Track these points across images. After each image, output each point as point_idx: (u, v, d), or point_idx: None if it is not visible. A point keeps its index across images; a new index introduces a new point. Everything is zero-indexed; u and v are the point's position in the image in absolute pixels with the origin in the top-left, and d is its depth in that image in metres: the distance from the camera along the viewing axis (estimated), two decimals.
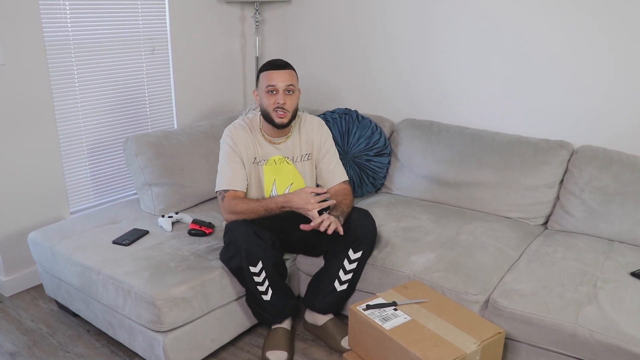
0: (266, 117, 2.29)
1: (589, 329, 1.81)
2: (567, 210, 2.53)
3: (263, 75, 2.28)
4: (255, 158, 2.36)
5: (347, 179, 2.47)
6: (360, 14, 3.22)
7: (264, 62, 3.66)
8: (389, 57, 3.19)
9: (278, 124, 2.28)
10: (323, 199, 2.16)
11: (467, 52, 2.91)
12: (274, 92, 2.24)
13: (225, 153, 2.34)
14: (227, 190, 2.29)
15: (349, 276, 2.26)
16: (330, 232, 2.10)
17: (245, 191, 2.34)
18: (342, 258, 2.24)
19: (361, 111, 3.21)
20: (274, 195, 2.38)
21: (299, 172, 2.42)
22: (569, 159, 2.61)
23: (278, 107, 2.24)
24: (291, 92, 2.26)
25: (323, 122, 2.48)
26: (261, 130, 2.38)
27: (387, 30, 3.15)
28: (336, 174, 2.44)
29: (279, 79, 2.24)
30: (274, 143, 2.38)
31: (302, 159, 2.42)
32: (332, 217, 2.13)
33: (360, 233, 2.22)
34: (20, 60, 2.60)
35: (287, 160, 2.40)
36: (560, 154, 2.60)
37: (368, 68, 3.29)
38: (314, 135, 2.43)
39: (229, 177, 2.30)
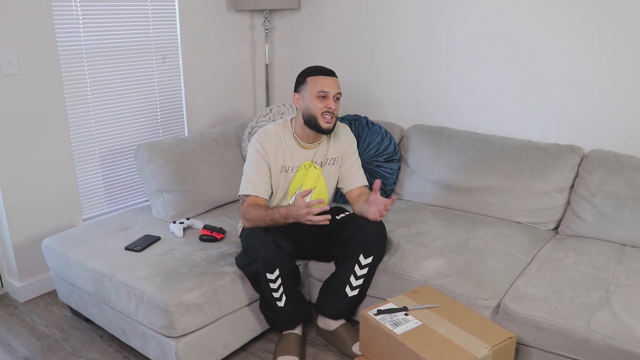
0: (310, 121, 2.28)
1: (602, 334, 1.80)
2: (578, 215, 2.52)
3: (312, 80, 2.27)
4: (284, 166, 2.35)
5: (367, 184, 2.49)
6: (369, 21, 3.24)
7: (274, 69, 3.73)
8: (398, 63, 3.20)
9: (325, 129, 2.28)
10: (316, 203, 2.10)
11: (475, 58, 2.92)
12: (325, 97, 2.25)
13: (252, 158, 2.32)
14: (249, 195, 2.29)
15: (360, 282, 2.27)
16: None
17: (267, 199, 2.34)
18: (352, 263, 2.25)
19: (371, 117, 3.22)
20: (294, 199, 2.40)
21: (323, 177, 2.43)
22: (580, 164, 2.60)
23: (327, 112, 2.25)
24: (338, 99, 2.30)
25: (349, 128, 2.51)
26: (294, 135, 2.38)
27: (396, 37, 3.17)
28: (357, 178, 2.46)
29: (330, 85, 2.26)
30: (306, 148, 2.38)
31: (329, 163, 2.43)
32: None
33: (371, 238, 2.23)
34: (34, 69, 2.64)
35: (315, 165, 2.40)
36: (570, 159, 2.60)
37: (377, 74, 3.30)
38: (342, 140, 2.45)
39: (252, 182, 2.30)
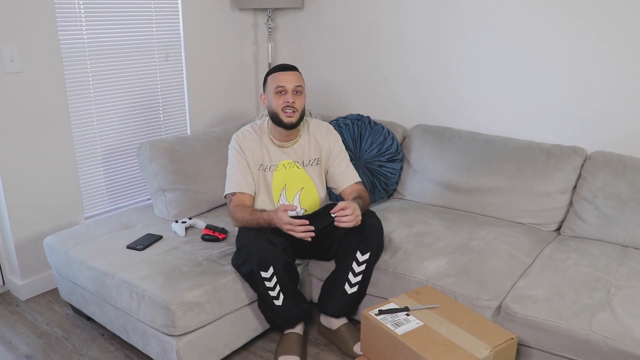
0: (274, 118, 2.32)
1: (603, 336, 1.80)
2: (580, 216, 2.52)
3: (271, 77, 2.32)
4: (262, 165, 2.38)
5: (360, 180, 2.48)
6: (373, 20, 3.24)
7: None
8: (401, 63, 3.20)
9: (287, 123, 2.29)
10: (302, 223, 2.10)
11: (479, 59, 2.92)
12: (283, 92, 2.27)
13: (233, 158, 2.36)
14: (234, 194, 2.32)
15: (359, 278, 2.27)
16: (342, 224, 2.12)
17: (253, 195, 2.36)
18: (350, 260, 2.25)
19: (373, 117, 3.22)
20: (282, 201, 2.40)
21: (309, 176, 2.43)
22: (582, 165, 2.60)
23: (287, 106, 2.27)
24: (299, 92, 2.30)
25: (331, 127, 2.50)
26: (269, 135, 2.40)
27: (399, 36, 3.17)
28: (347, 176, 2.45)
29: (287, 79, 2.28)
30: (283, 147, 2.40)
31: (311, 163, 2.43)
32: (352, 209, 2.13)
33: (367, 234, 2.23)
34: (36, 67, 2.65)
35: (297, 165, 2.41)
36: (573, 160, 2.59)
37: (380, 74, 3.30)
38: (322, 140, 2.45)
39: (235, 180, 2.33)
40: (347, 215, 2.12)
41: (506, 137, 2.84)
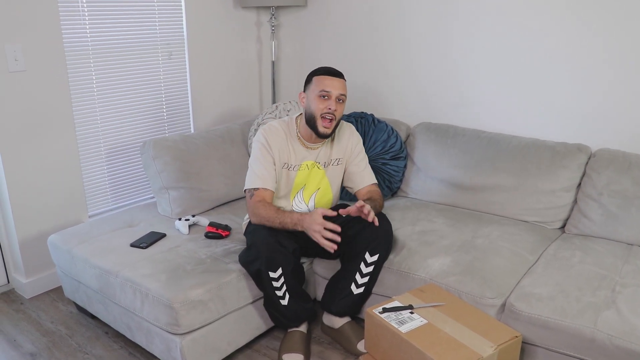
0: (310, 120, 2.28)
1: (608, 334, 1.79)
2: (585, 214, 2.51)
3: (317, 79, 2.27)
4: (286, 163, 2.35)
5: (376, 182, 2.48)
6: (377, 18, 3.23)
7: (281, 67, 3.73)
8: (405, 60, 3.19)
9: (322, 133, 2.27)
10: (334, 228, 2.10)
11: (483, 56, 2.91)
12: (327, 97, 2.24)
13: (257, 151, 2.32)
14: (257, 189, 2.28)
15: (366, 279, 2.27)
16: (370, 219, 2.13)
17: (274, 191, 2.33)
18: (359, 261, 2.24)
19: (377, 115, 3.22)
20: (298, 199, 2.40)
21: (327, 178, 2.42)
22: (587, 162, 2.59)
23: (327, 113, 2.24)
24: (341, 101, 2.28)
25: (354, 128, 2.50)
26: (298, 134, 2.38)
27: (403, 33, 3.16)
28: (365, 177, 2.45)
29: (333, 85, 2.25)
30: (309, 148, 2.38)
31: (333, 164, 2.42)
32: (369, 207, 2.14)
33: (377, 235, 2.22)
34: (40, 66, 2.65)
35: (318, 165, 2.40)
36: (578, 158, 2.58)
37: (384, 72, 3.29)
38: (346, 140, 2.44)
39: (259, 176, 2.29)
40: (370, 212, 2.12)
41: (510, 135, 2.83)
